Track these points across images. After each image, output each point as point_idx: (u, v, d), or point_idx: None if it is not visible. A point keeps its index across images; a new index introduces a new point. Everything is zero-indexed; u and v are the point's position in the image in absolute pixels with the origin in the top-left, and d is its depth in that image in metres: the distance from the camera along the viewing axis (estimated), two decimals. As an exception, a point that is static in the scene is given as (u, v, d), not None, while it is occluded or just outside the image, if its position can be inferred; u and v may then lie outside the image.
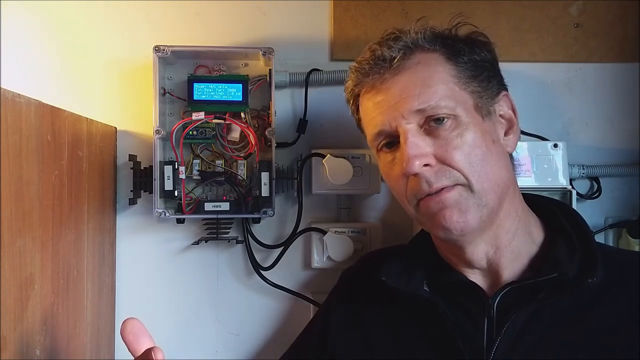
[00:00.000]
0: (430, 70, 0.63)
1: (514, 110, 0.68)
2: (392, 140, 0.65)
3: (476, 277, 0.67)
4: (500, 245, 0.65)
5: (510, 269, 0.65)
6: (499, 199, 0.62)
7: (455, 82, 0.63)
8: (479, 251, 0.65)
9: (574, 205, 0.88)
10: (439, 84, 0.62)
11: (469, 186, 0.60)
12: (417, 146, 0.60)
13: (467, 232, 0.61)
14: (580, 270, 0.61)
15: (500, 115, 0.66)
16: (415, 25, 0.65)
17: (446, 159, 0.60)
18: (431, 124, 0.61)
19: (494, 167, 0.62)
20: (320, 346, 0.77)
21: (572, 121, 1.00)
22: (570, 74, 1.00)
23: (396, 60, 0.63)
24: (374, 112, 0.65)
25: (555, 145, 0.90)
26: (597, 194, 0.99)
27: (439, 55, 0.64)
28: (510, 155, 0.67)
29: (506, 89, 0.68)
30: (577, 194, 0.93)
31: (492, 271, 0.66)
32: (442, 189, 0.60)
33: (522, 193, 0.69)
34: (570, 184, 0.92)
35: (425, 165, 0.60)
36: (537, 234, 0.67)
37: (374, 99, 0.65)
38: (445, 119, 0.61)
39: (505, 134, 0.67)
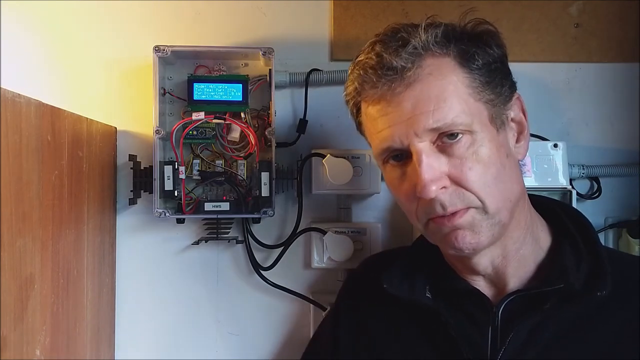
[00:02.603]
0: (444, 82, 0.59)
1: (524, 113, 0.65)
2: (400, 154, 0.62)
3: (481, 284, 0.66)
4: (508, 255, 0.64)
5: (517, 277, 0.64)
6: (511, 213, 0.61)
7: (470, 92, 0.59)
8: (484, 260, 0.64)
9: (574, 206, 0.88)
10: (453, 98, 0.58)
11: (483, 208, 0.59)
12: (433, 169, 0.58)
13: (479, 250, 0.61)
14: (587, 281, 0.60)
15: (512, 119, 0.64)
16: (423, 24, 0.60)
17: (461, 180, 0.58)
18: (444, 139, 0.58)
19: (507, 184, 0.60)
20: (332, 349, 0.77)
21: (572, 121, 1.00)
22: (570, 74, 1.00)
23: (408, 72, 0.58)
24: (382, 125, 0.61)
25: (555, 145, 0.90)
26: (597, 194, 0.99)
27: (451, 60, 0.60)
28: None
29: (516, 89, 0.65)
30: (577, 194, 0.93)
31: (498, 278, 0.65)
32: (455, 211, 0.59)
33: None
34: (570, 184, 0.92)
35: (441, 187, 0.58)
36: (544, 239, 0.66)
37: (383, 111, 0.61)
38: (460, 135, 0.58)
39: (517, 140, 0.65)
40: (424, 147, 0.58)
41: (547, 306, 0.60)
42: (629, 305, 0.61)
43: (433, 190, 0.57)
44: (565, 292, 0.60)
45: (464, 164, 0.58)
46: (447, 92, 0.58)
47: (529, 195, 0.68)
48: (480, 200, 0.58)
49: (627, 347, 0.59)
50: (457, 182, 0.58)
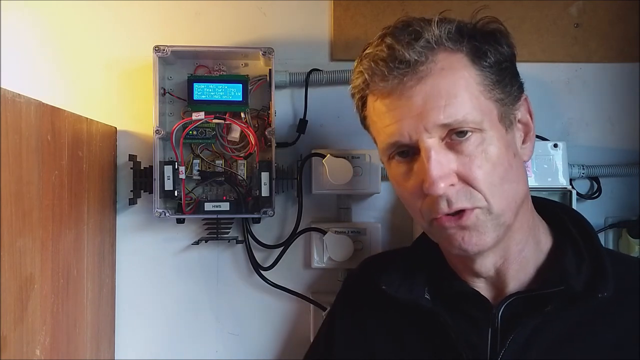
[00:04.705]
0: (456, 77, 0.58)
1: (531, 115, 0.65)
2: (407, 150, 0.60)
3: (481, 286, 0.66)
4: (509, 257, 0.63)
5: (517, 279, 0.64)
6: (515, 215, 0.60)
7: (481, 90, 0.58)
8: (487, 263, 0.63)
9: (574, 206, 0.88)
10: (465, 94, 0.57)
11: (487, 208, 0.58)
12: (441, 165, 0.57)
13: (483, 251, 0.60)
14: (588, 283, 0.60)
15: (519, 120, 0.64)
16: (436, 19, 0.59)
17: (469, 178, 0.57)
18: (453, 137, 0.57)
19: (513, 184, 0.60)
20: (326, 350, 0.77)
21: (572, 121, 1.00)
22: (570, 74, 1.00)
23: (421, 66, 0.57)
24: (389, 120, 0.59)
25: (555, 145, 0.90)
26: (597, 194, 0.99)
27: (464, 57, 0.59)
28: None
29: (524, 90, 0.65)
30: (577, 194, 0.93)
31: (498, 280, 0.65)
32: (461, 211, 0.58)
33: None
34: (570, 184, 0.92)
35: (450, 185, 0.57)
36: (545, 242, 0.65)
37: (392, 105, 0.59)
38: (470, 133, 0.57)
39: (523, 141, 0.64)
40: (433, 144, 0.57)
41: (548, 308, 0.60)
42: (631, 307, 0.61)
43: (442, 187, 0.56)
44: (567, 294, 0.59)
45: (473, 162, 0.57)
46: (459, 88, 0.57)
47: (533, 198, 0.68)
48: (487, 200, 0.57)
49: (629, 349, 0.59)
50: (465, 180, 0.57)
